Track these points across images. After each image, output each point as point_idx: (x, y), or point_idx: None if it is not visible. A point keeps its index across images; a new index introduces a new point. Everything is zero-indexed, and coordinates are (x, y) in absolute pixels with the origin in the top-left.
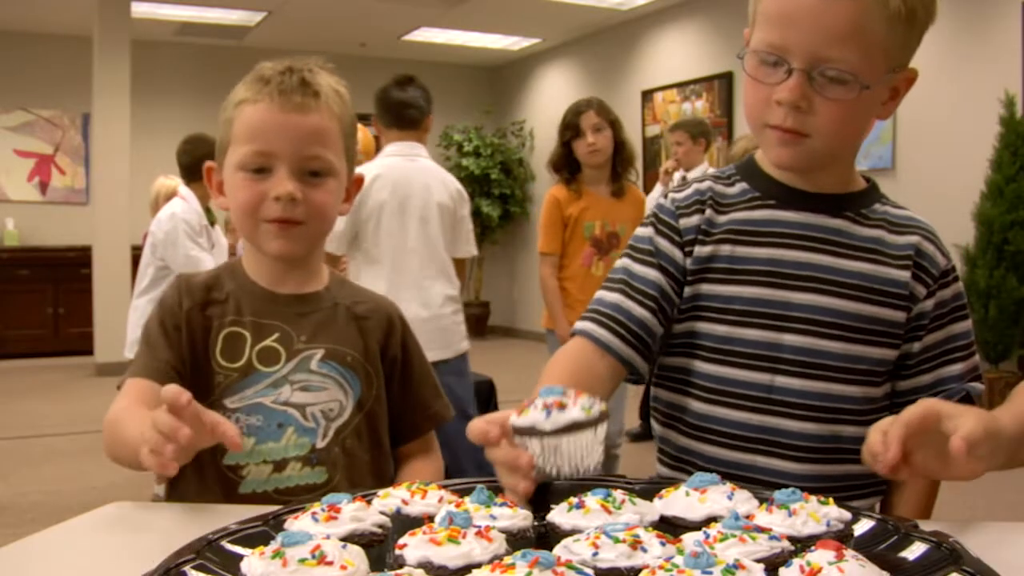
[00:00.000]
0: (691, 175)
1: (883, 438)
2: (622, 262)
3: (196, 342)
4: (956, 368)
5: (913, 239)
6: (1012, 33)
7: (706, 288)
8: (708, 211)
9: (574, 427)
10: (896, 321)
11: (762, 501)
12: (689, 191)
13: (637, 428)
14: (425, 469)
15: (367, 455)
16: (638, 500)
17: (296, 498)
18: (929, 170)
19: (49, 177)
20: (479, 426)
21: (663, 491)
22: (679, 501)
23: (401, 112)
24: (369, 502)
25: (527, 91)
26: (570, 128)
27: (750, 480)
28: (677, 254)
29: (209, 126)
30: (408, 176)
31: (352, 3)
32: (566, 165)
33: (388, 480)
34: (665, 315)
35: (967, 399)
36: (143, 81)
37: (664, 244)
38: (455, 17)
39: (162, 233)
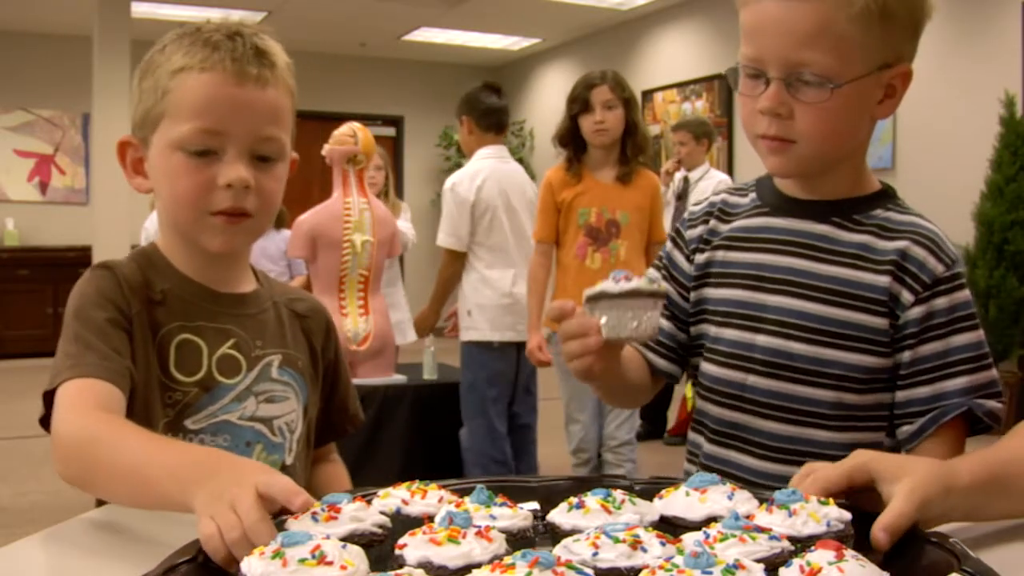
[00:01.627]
0: (693, 175)
1: (800, 482)
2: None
3: (144, 351)
4: (959, 382)
5: (901, 244)
6: (1012, 33)
7: (705, 292)
8: (713, 221)
9: (637, 293)
10: (876, 327)
11: (762, 501)
12: (704, 204)
13: (638, 428)
14: (342, 472)
15: (308, 463)
16: (638, 500)
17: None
18: (929, 170)
19: (49, 177)
20: (557, 303)
21: (663, 491)
22: (679, 501)
23: (500, 119)
24: (369, 502)
25: (527, 91)
26: (578, 101)
27: (725, 475)
28: (684, 263)
29: None
30: (508, 175)
31: (352, 3)
32: (572, 141)
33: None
34: (680, 320)
35: (971, 416)
36: None
37: (677, 255)
38: (455, 17)
39: (154, 229)
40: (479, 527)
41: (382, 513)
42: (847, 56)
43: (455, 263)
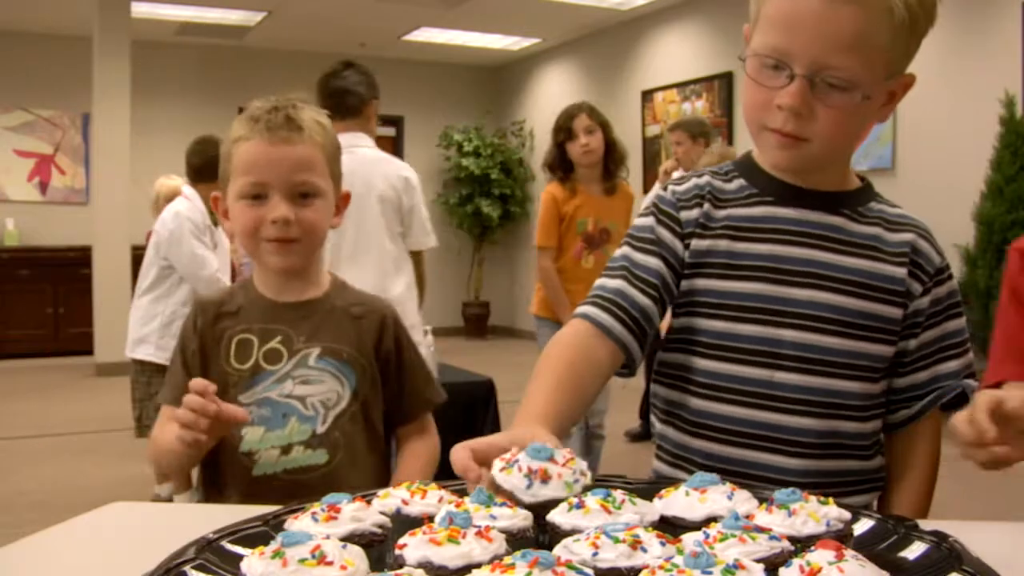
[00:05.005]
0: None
1: (974, 424)
2: (622, 251)
3: (209, 351)
4: (952, 365)
5: (908, 236)
6: (1012, 33)
7: (702, 283)
8: (707, 205)
9: (553, 504)
10: (893, 317)
11: (762, 501)
12: (688, 184)
13: (637, 428)
14: (420, 448)
15: (362, 436)
16: (638, 500)
17: (303, 475)
18: (929, 170)
19: (49, 177)
20: (462, 460)
21: (663, 491)
22: (679, 501)
23: (339, 100)
24: (369, 502)
25: (527, 91)
26: (563, 131)
27: (747, 476)
28: (678, 245)
29: (210, 126)
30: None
31: (352, 3)
32: (560, 165)
33: (382, 457)
34: (664, 305)
35: (962, 396)
36: (143, 81)
37: (666, 234)
38: (455, 17)
39: (167, 232)
40: (479, 527)
41: (382, 513)
42: (875, 64)
43: None
